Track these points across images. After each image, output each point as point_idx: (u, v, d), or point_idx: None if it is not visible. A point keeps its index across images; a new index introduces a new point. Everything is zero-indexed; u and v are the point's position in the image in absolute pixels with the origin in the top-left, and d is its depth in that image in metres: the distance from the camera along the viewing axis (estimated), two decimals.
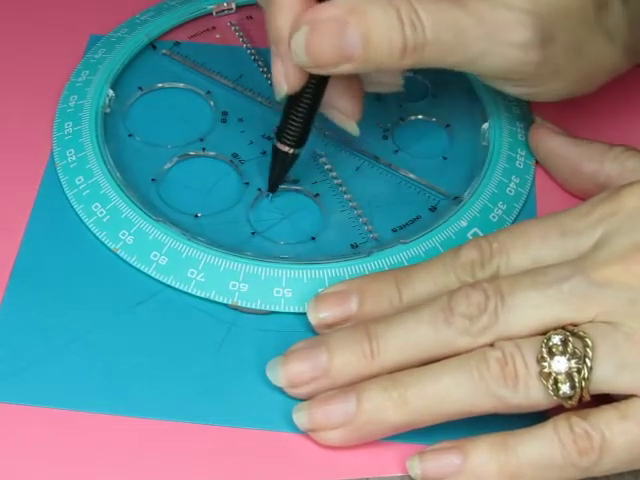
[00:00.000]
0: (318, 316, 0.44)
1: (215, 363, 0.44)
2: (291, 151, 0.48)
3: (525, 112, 0.54)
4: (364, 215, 0.50)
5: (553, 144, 0.51)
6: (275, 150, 0.49)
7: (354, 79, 0.48)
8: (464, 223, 0.48)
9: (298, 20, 0.44)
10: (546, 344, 0.40)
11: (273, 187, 0.50)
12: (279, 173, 0.50)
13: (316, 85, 0.47)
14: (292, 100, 0.47)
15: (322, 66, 0.44)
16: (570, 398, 0.40)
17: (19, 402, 0.43)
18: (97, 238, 0.48)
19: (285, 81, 0.46)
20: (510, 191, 0.50)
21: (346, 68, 0.44)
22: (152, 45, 0.57)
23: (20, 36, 0.57)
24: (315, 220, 0.50)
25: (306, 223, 0.49)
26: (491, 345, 0.41)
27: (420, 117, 0.54)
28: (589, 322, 0.40)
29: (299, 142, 0.48)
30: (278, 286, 0.46)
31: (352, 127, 0.49)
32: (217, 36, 0.58)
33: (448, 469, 0.40)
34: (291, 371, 0.43)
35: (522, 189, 0.51)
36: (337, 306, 0.44)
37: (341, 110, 0.49)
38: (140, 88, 0.55)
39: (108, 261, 0.47)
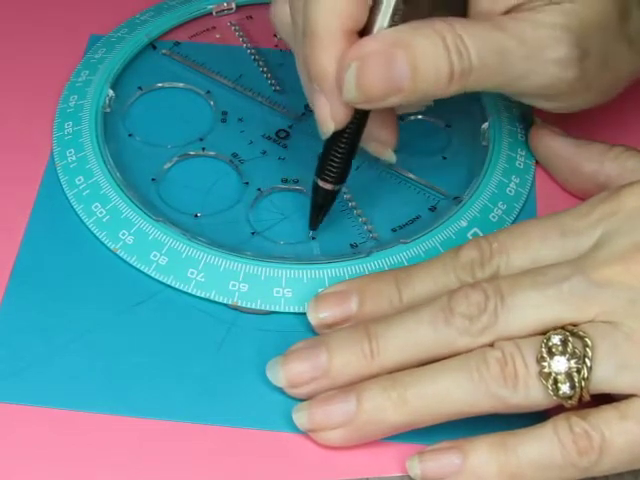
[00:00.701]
0: (318, 316, 0.44)
1: (215, 363, 0.44)
2: (333, 188, 0.48)
3: (525, 112, 0.54)
4: (364, 215, 0.50)
5: (553, 144, 0.51)
6: (316, 188, 0.48)
7: (391, 108, 0.48)
8: (464, 223, 0.49)
9: (345, 57, 0.43)
10: (546, 344, 0.40)
11: (315, 225, 0.49)
12: (320, 211, 0.48)
13: (359, 119, 0.46)
14: (335, 137, 0.46)
15: (372, 100, 0.44)
16: (570, 398, 0.40)
17: (19, 402, 0.43)
18: (97, 238, 0.48)
19: (332, 118, 0.45)
20: (510, 191, 0.50)
21: (394, 100, 0.44)
22: (152, 45, 0.57)
23: (20, 36, 0.57)
24: None
25: (306, 223, 0.49)
26: (491, 345, 0.41)
27: (420, 117, 0.54)
28: (589, 322, 0.40)
29: (340, 178, 0.47)
30: (278, 286, 0.46)
31: (389, 155, 0.49)
32: (217, 36, 0.58)
33: (448, 469, 0.40)
34: (291, 371, 0.43)
35: (522, 189, 0.51)
36: (337, 306, 0.44)
37: (379, 140, 0.48)
38: (140, 88, 0.55)
39: (108, 261, 0.47)
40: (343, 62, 0.43)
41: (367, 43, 0.43)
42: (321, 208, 0.48)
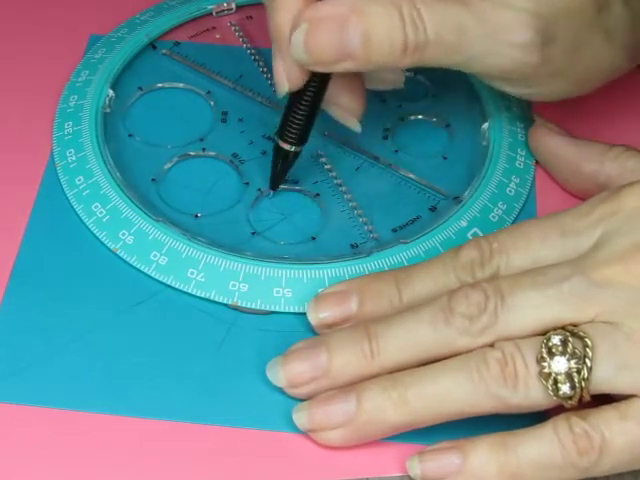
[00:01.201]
0: (318, 316, 0.44)
1: (215, 363, 0.44)
2: (293, 149, 0.48)
3: (525, 112, 0.54)
4: (364, 215, 0.50)
5: (553, 144, 0.51)
6: (276, 148, 0.49)
7: (356, 76, 0.48)
8: (464, 223, 0.48)
9: (298, 18, 0.44)
10: (546, 344, 0.40)
11: (275, 185, 0.50)
12: (280, 171, 0.49)
13: (318, 82, 0.46)
14: (294, 98, 0.47)
15: (322, 64, 0.44)
16: (570, 398, 0.40)
17: (19, 402, 0.43)
18: (97, 238, 0.48)
19: (286, 79, 0.46)
20: (510, 191, 0.50)
21: (346, 66, 0.44)
22: (152, 45, 0.57)
23: (20, 36, 0.57)
24: (315, 220, 0.49)
25: (306, 223, 0.49)
26: (491, 345, 0.40)
27: (420, 117, 0.54)
28: (589, 322, 0.40)
29: (301, 140, 0.48)
30: (278, 286, 0.46)
31: (353, 123, 0.49)
32: (217, 36, 0.58)
33: (448, 469, 0.40)
34: (291, 371, 0.43)
35: (522, 189, 0.51)
36: (337, 306, 0.44)
37: (343, 107, 0.49)
38: (140, 88, 0.55)
39: (108, 261, 0.47)
40: (296, 22, 0.44)
41: (322, 6, 0.44)
42: (282, 168, 0.49)
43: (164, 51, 0.57)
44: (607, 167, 0.48)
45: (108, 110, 0.53)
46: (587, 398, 0.40)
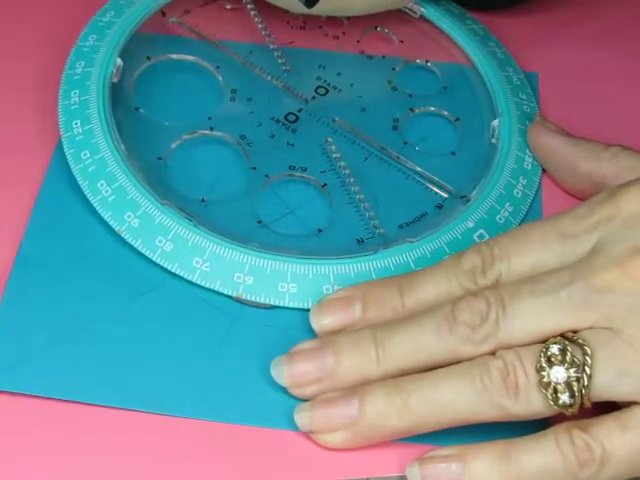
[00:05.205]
0: (321, 322, 0.44)
1: (217, 358, 0.44)
2: None
3: (535, 110, 0.54)
4: (371, 209, 0.49)
5: (550, 143, 0.51)
6: None
7: None
8: (471, 224, 0.48)
9: None
10: (545, 353, 0.40)
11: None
12: None
13: None
14: None
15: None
16: (570, 406, 0.40)
17: (21, 391, 0.43)
18: (102, 221, 0.47)
19: None
20: (517, 192, 0.50)
21: None
22: (162, 12, 0.55)
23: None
24: (322, 212, 0.49)
25: (313, 215, 0.49)
26: (493, 354, 0.41)
27: (431, 109, 0.54)
28: (589, 328, 0.40)
29: None
30: (283, 281, 0.46)
31: None
32: (227, 7, 0.57)
33: (448, 477, 0.41)
34: (296, 371, 0.43)
35: (529, 191, 0.51)
36: (340, 312, 0.44)
37: None
38: (148, 58, 0.54)
39: (113, 249, 0.47)
40: None
41: None
42: None
43: (173, 19, 0.56)
44: (603, 166, 0.48)
45: (116, 80, 0.52)
46: (588, 405, 0.40)
